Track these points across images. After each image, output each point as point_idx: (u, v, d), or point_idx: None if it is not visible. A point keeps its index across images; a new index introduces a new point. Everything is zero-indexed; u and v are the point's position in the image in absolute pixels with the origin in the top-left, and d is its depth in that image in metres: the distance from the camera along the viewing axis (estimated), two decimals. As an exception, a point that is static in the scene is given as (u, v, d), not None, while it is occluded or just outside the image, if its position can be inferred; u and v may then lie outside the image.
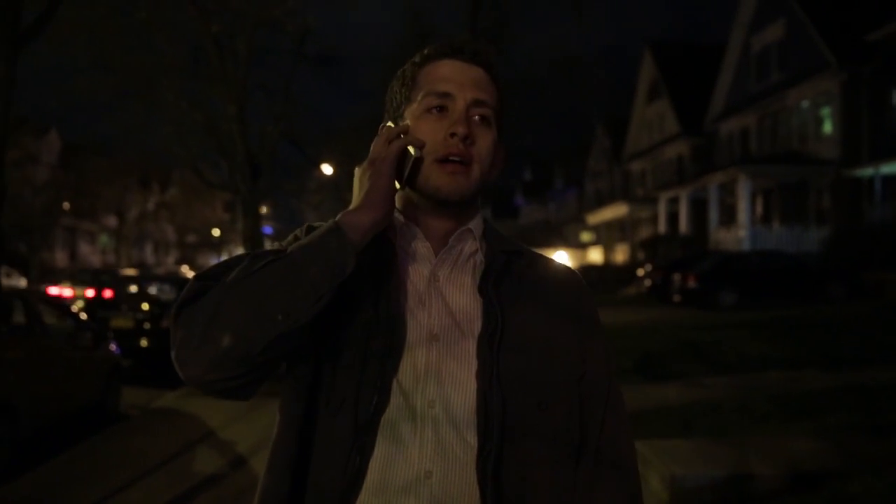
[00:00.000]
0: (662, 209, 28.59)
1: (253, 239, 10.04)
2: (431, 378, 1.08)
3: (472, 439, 1.06)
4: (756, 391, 6.81)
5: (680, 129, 31.14)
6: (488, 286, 1.14)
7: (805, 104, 22.95)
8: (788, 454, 4.81)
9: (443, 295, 1.14)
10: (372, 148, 1.14)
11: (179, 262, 52.03)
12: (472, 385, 1.08)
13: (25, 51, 7.40)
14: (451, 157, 1.12)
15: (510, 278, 1.16)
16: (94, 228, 46.97)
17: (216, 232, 54.66)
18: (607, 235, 38.16)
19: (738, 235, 21.78)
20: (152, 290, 12.93)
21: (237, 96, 9.67)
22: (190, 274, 41.58)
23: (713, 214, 23.92)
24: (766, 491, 4.31)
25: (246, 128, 9.84)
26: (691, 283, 16.53)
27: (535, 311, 1.14)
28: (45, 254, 37.71)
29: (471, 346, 1.10)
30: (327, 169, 29.57)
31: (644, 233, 33.04)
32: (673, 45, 33.97)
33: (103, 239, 48.69)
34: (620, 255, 33.56)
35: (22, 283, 25.63)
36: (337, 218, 1.08)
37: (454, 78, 1.15)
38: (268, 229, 34.14)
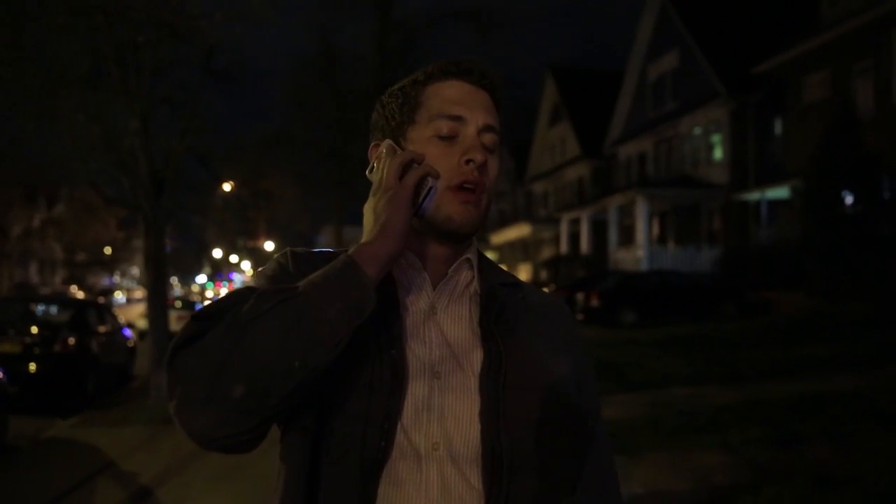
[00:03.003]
0: (564, 230, 29.34)
1: (157, 258, 9.61)
2: (433, 416, 1.02)
3: (476, 481, 1.01)
4: (665, 407, 7.01)
5: (581, 152, 32.14)
6: (489, 320, 1.09)
7: (697, 131, 24.15)
8: (701, 469, 4.97)
9: (440, 328, 1.09)
10: (378, 171, 1.08)
11: (68, 282, 49.42)
12: (475, 424, 1.03)
13: None
14: (465, 185, 1.07)
15: (508, 312, 1.12)
16: (-29, 246, 43.96)
17: (108, 250, 52.24)
18: (510, 255, 38.81)
19: (636, 255, 22.59)
20: (42, 311, 12.19)
21: (140, 110, 9.27)
22: (80, 294, 39.55)
23: (612, 235, 24.74)
24: (684, 506, 4.43)
25: (149, 143, 9.44)
26: (594, 302, 16.97)
27: (534, 344, 1.11)
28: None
29: (471, 383, 1.05)
30: (227, 186, 28.89)
31: (546, 253, 33.82)
32: (574, 70, 35.11)
33: (-18, 257, 45.63)
34: (523, 274, 34.11)
35: None
36: (350, 251, 1.00)
37: (464, 101, 1.09)
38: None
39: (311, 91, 24.86)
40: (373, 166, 1.12)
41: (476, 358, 1.07)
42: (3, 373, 8.18)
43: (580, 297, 17.57)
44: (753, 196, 21.17)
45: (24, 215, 45.13)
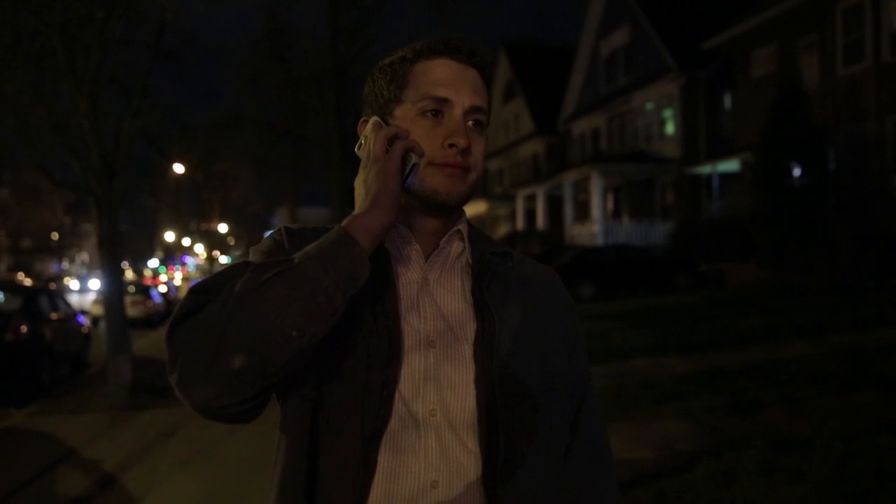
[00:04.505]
0: (520, 206, 29.51)
1: (111, 242, 9.40)
2: (430, 385, 1.06)
3: (473, 445, 1.05)
4: (627, 378, 7.16)
5: (535, 128, 32.28)
6: (482, 289, 1.12)
7: (649, 106, 24.44)
8: (664, 437, 5.10)
9: (434, 298, 1.11)
10: (366, 146, 1.09)
11: (14, 269, 48.04)
12: (470, 391, 1.06)
13: None
14: (448, 167, 1.09)
15: (499, 280, 1.14)
16: None
17: (55, 236, 50.93)
18: (467, 232, 38.90)
19: (591, 230, 22.86)
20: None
21: (88, 91, 9.01)
22: (27, 281, 38.51)
23: (568, 211, 24.97)
24: (649, 473, 4.54)
25: (99, 125, 9.19)
26: (552, 277, 17.14)
27: (526, 312, 1.14)
28: None
29: (466, 351, 1.08)
30: (179, 168, 28.34)
31: (503, 229, 33.99)
32: (527, 46, 35.15)
33: (-78, 246, 44.14)
34: (481, 251, 34.24)
35: None
36: (343, 223, 1.02)
37: (451, 82, 1.10)
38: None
39: (264, 71, 24.48)
40: (360, 143, 1.13)
41: (470, 327, 1.10)
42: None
43: (538, 272, 17.74)
44: (705, 170, 21.55)
45: (-36, 201, 43.71)
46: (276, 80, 24.21)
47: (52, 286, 27.92)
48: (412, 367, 1.05)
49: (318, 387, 1.04)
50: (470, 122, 1.11)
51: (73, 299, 24.71)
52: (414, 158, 1.07)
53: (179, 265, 63.79)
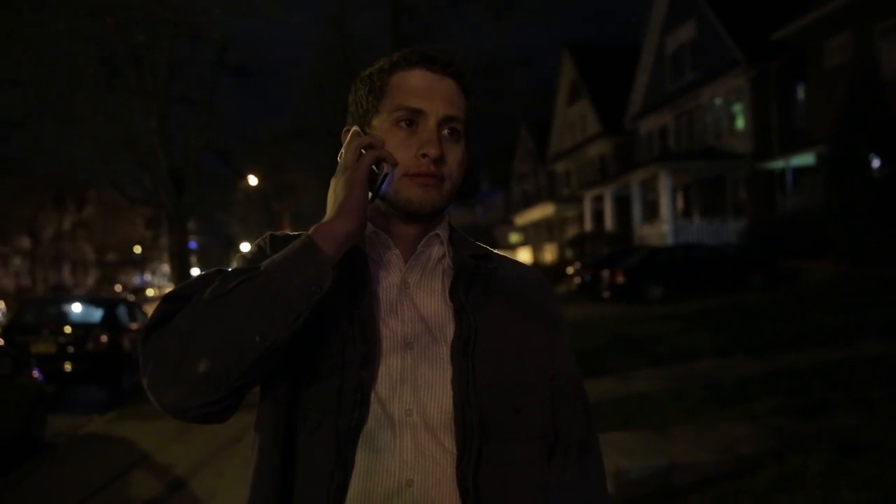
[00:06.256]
0: (588, 207, 29.17)
1: (180, 255, 9.77)
2: (407, 385, 1.08)
3: (450, 445, 1.07)
4: (690, 380, 7.00)
5: (601, 128, 31.86)
6: (459, 291, 1.13)
7: (718, 101, 23.81)
8: (726, 440, 4.97)
9: (414, 301, 1.14)
10: (342, 155, 1.12)
11: (101, 283, 50.29)
12: (447, 391, 1.08)
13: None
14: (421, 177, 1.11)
15: (479, 282, 1.16)
16: (5, 251, 44.97)
17: (138, 249, 53.07)
18: (535, 236, 38.69)
19: (661, 230, 22.40)
20: (75, 311, 12.43)
21: (157, 109, 9.39)
22: (128, 294, 40.19)
23: (636, 211, 24.54)
24: (708, 476, 4.44)
25: (168, 141, 9.57)
26: (620, 279, 16.89)
27: (506, 314, 1.15)
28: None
29: (444, 352, 1.10)
30: (253, 180, 29.13)
31: (571, 231, 33.65)
32: (591, 46, 34.74)
33: (16, 261, 46.66)
34: (549, 254, 34.05)
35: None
36: (310, 231, 1.05)
37: (425, 92, 1.12)
38: (191, 244, 33.31)
39: (329, 81, 24.91)
40: (341, 151, 1.16)
41: (449, 329, 1.11)
42: (40, 373, 8.39)
43: (605, 274, 17.50)
44: (778, 164, 20.86)
45: (54, 218, 46.06)
46: (342, 90, 24.58)
47: (132, 298, 29.04)
48: (389, 368, 1.08)
49: (294, 388, 1.07)
50: (445, 132, 1.12)
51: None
52: (386, 168, 1.09)
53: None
